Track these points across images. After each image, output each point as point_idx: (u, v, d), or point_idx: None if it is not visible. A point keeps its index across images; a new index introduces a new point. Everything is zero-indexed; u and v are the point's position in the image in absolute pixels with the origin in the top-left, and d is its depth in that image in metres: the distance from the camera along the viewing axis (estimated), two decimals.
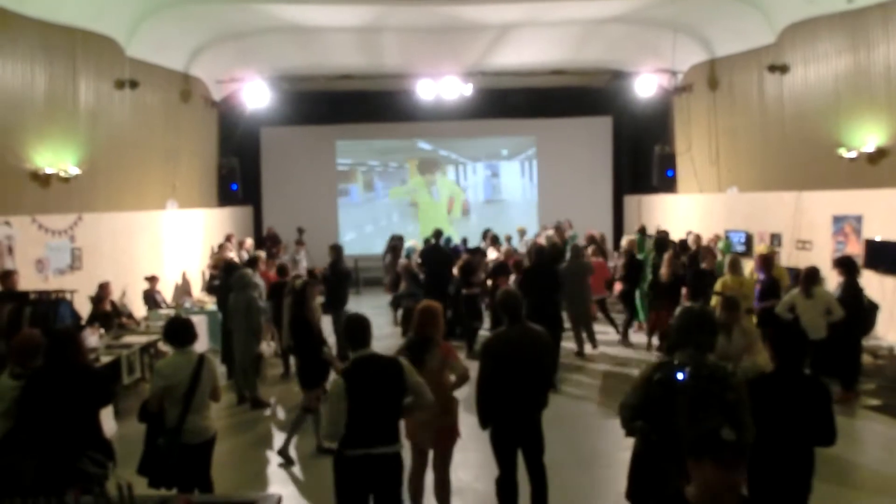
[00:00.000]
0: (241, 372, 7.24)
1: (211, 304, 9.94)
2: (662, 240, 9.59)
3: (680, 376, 3.10)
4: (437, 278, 9.72)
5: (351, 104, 14.35)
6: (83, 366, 3.90)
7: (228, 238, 12.08)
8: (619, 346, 9.35)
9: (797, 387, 3.34)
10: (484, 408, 4.14)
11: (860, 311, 6.91)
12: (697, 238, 10.42)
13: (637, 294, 9.53)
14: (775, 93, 10.25)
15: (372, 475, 3.42)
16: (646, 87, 12.31)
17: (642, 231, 11.88)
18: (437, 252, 10.23)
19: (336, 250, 9.25)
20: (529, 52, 12.32)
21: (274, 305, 7.85)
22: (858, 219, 8.71)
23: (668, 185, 13.16)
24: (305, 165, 15.35)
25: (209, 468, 4.16)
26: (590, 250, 10.05)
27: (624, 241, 10.37)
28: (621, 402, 3.35)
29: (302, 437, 5.88)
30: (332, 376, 5.27)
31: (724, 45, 11.19)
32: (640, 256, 9.86)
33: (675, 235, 11.20)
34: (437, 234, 10.79)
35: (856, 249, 8.65)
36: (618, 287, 9.69)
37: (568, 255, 8.80)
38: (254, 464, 5.77)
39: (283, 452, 5.71)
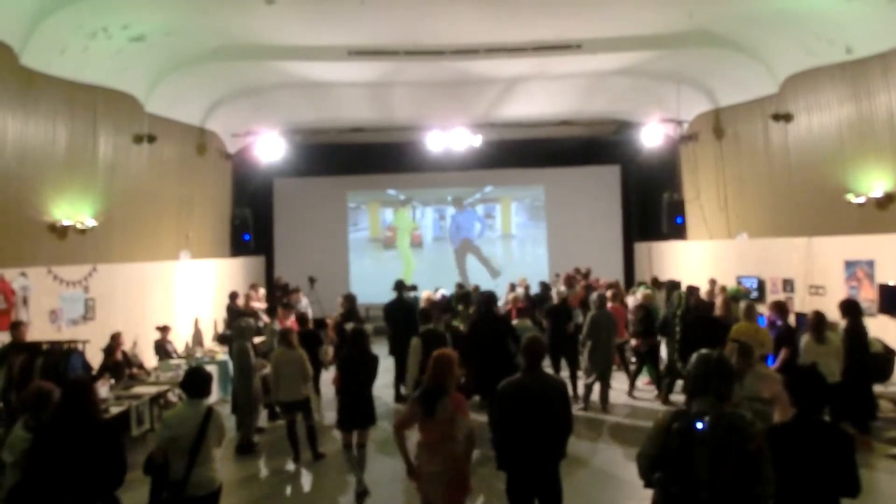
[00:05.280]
0: (238, 413, 7.25)
1: (222, 353, 9.92)
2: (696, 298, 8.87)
3: (699, 426, 3.02)
4: (402, 334, 8.63)
5: (362, 156, 14.65)
6: (95, 419, 3.85)
7: (253, 286, 12.17)
8: (630, 396, 9.18)
9: (819, 436, 3.24)
10: (500, 452, 4.10)
11: (865, 353, 6.83)
12: (722, 289, 10.19)
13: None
14: (780, 141, 10.36)
15: None
16: (652, 136, 12.48)
17: (655, 282, 11.75)
18: (400, 305, 9.42)
19: (349, 300, 9.24)
20: (537, 104, 12.61)
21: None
22: (870, 263, 8.64)
23: (678, 231, 13.17)
24: (317, 216, 15.56)
25: None
26: (609, 294, 9.95)
27: (639, 295, 9.76)
28: (639, 452, 3.25)
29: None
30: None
31: (727, 95, 11.41)
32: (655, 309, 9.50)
33: (687, 282, 11.12)
34: (399, 285, 9.77)
35: (869, 294, 8.55)
36: (635, 343, 9.17)
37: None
38: None
39: (361, 495, 5.69)
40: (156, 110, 10.08)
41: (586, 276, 12.53)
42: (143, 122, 9.82)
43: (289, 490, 6.24)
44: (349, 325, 6.57)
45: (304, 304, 11.40)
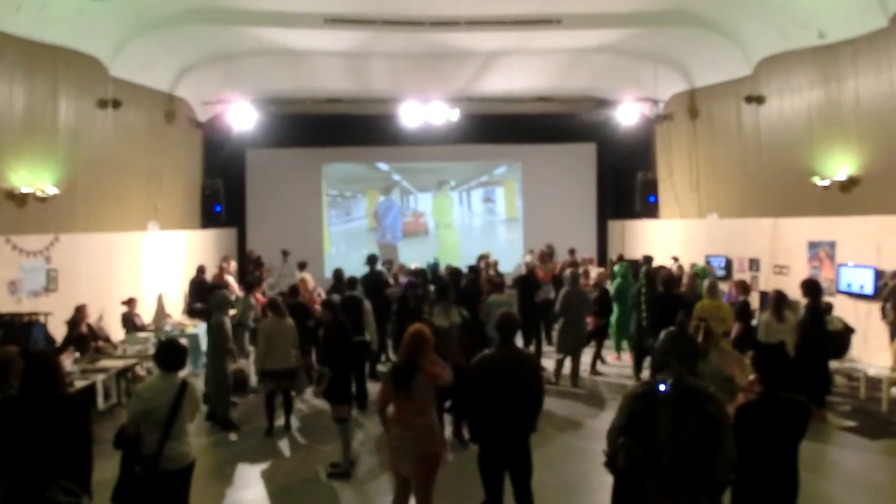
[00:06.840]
0: (212, 391, 7.16)
1: (192, 326, 9.77)
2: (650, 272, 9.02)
3: (662, 388, 3.10)
4: (375, 307, 8.45)
5: (337, 127, 14.35)
6: (60, 393, 3.70)
7: (225, 259, 12.01)
8: (602, 371, 9.35)
9: (786, 411, 3.36)
10: (472, 425, 4.19)
11: (823, 331, 7.13)
12: (680, 268, 10.45)
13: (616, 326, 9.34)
14: (752, 122, 10.51)
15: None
16: (628, 115, 12.53)
17: (621, 259, 11.89)
18: (373, 278, 9.38)
19: (336, 275, 9.21)
20: (516, 79, 12.51)
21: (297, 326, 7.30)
22: (832, 245, 8.90)
23: (651, 210, 13.34)
24: (291, 188, 15.29)
25: (187, 495, 4.04)
26: (581, 270, 10.04)
27: (594, 274, 9.76)
28: (609, 427, 3.32)
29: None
30: None
31: (703, 75, 11.49)
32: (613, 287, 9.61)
33: (660, 260, 11.32)
34: (372, 259, 9.70)
35: (830, 274, 8.83)
36: (591, 321, 8.96)
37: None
38: (231, 489, 5.61)
39: (336, 465, 5.74)
40: (121, 74, 9.69)
41: (572, 252, 12.77)
42: (107, 87, 9.45)
43: (265, 461, 6.23)
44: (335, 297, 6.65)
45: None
